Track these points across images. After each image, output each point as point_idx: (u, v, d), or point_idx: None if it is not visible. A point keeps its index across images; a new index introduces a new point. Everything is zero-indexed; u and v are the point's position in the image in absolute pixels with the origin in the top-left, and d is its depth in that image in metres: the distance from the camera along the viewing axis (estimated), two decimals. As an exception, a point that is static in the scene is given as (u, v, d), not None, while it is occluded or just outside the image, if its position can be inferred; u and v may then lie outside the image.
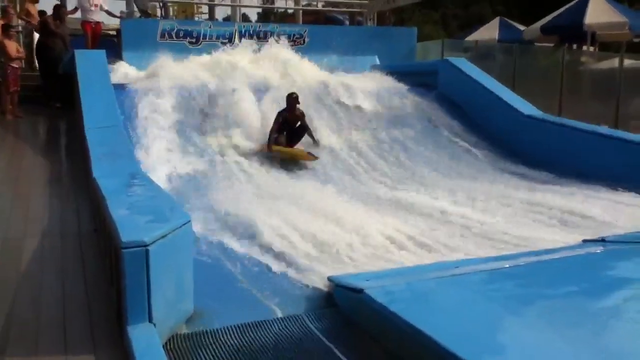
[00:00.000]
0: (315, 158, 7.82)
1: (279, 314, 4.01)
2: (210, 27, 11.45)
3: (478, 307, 3.58)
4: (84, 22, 10.83)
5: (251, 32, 11.51)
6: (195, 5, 17.88)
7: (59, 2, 11.65)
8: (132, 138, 7.54)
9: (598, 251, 4.74)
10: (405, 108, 9.89)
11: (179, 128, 8.26)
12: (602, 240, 4.92)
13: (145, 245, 3.23)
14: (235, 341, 3.60)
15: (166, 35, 10.92)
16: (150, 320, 3.30)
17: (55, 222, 5.30)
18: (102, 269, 4.22)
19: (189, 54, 10.54)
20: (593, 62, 13.23)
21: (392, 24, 16.04)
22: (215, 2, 15.18)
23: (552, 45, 16.85)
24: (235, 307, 4.12)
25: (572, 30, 15.90)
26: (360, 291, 3.70)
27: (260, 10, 23.63)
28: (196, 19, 17.74)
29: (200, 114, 8.55)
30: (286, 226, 5.49)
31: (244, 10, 18.72)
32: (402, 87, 10.31)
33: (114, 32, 12.82)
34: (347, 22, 16.35)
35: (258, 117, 8.49)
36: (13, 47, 9.37)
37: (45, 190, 6.22)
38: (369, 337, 3.65)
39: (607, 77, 11.82)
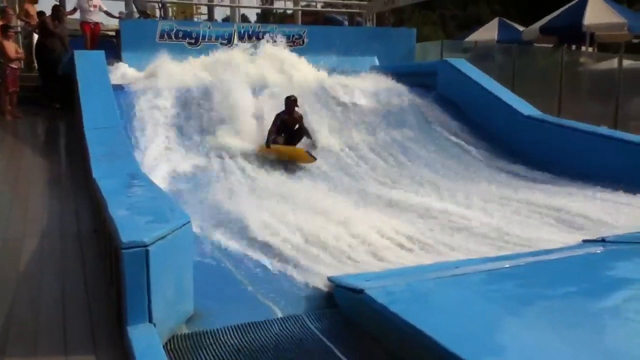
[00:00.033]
0: (314, 159, 7.81)
1: (279, 314, 4.01)
2: (209, 28, 11.46)
3: (478, 307, 3.58)
4: (83, 23, 10.83)
5: (250, 32, 11.51)
6: (194, 6, 17.87)
7: (57, 3, 11.65)
8: (131, 138, 7.55)
9: (598, 251, 4.74)
10: (404, 108, 9.90)
11: (178, 128, 8.29)
12: (602, 241, 4.93)
13: (145, 246, 3.22)
14: (236, 341, 3.60)
15: (165, 36, 10.92)
16: (150, 321, 3.30)
17: (55, 222, 5.30)
18: (102, 269, 4.21)
19: (188, 55, 10.54)
20: (592, 63, 13.24)
21: (391, 25, 16.06)
22: (215, 3, 15.19)
23: (551, 45, 16.87)
24: (236, 307, 4.12)
25: (571, 31, 15.93)
26: (360, 291, 3.70)
27: (259, 11, 23.61)
28: (195, 19, 17.72)
29: (199, 114, 8.56)
30: (286, 226, 5.50)
31: (243, 11, 18.75)
32: (401, 87, 10.32)
33: (113, 33, 12.83)
34: (347, 23, 16.37)
35: (256, 117, 8.50)
36: (12, 47, 9.36)
37: (44, 190, 6.21)
38: (370, 337, 3.65)
39: (606, 78, 11.83)
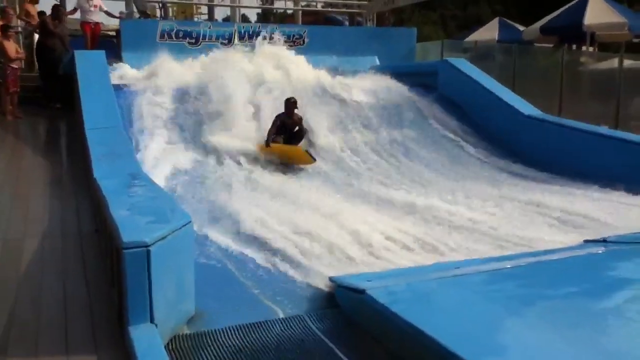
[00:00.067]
0: (314, 160, 7.79)
1: (281, 315, 4.01)
2: (209, 28, 11.46)
3: (479, 307, 3.58)
4: (83, 23, 10.83)
5: (251, 32, 11.50)
6: (194, 6, 17.87)
7: (57, 2, 11.65)
8: (132, 138, 7.55)
9: (599, 252, 4.73)
10: (404, 108, 9.89)
11: (178, 127, 8.30)
12: (604, 241, 4.92)
13: (147, 246, 3.22)
14: (237, 342, 3.60)
15: (165, 35, 10.92)
16: (151, 321, 3.30)
17: (56, 222, 5.29)
18: (103, 269, 4.21)
19: (189, 55, 10.54)
20: (592, 63, 13.24)
21: (392, 25, 16.05)
22: (215, 3, 15.18)
23: (551, 45, 16.86)
24: (237, 307, 4.12)
25: (571, 31, 15.91)
26: (362, 292, 3.70)
27: (259, 10, 23.60)
28: (195, 19, 17.73)
29: (199, 114, 8.55)
30: (286, 226, 5.50)
31: (243, 10, 18.76)
32: (401, 87, 10.31)
33: (113, 33, 12.82)
34: (347, 23, 16.36)
35: (256, 117, 8.50)
36: (12, 48, 9.36)
37: (45, 190, 6.21)
38: (371, 337, 3.65)
39: (606, 78, 11.83)
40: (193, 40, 11.11)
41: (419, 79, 10.73)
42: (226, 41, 11.24)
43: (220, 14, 21.72)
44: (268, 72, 9.97)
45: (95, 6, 10.74)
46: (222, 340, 3.60)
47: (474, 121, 9.63)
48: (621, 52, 12.20)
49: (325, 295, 4.29)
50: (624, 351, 3.03)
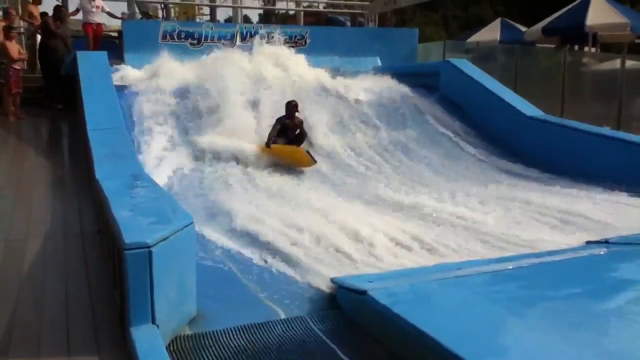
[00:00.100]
0: (314, 162, 7.78)
1: (282, 316, 4.01)
2: (211, 29, 11.47)
3: (481, 308, 3.58)
4: (85, 24, 10.84)
5: (252, 33, 11.51)
6: (196, 7, 17.88)
7: (59, 3, 11.67)
8: (134, 139, 7.56)
9: (601, 253, 4.73)
10: (406, 109, 9.89)
11: (180, 128, 8.31)
12: (606, 242, 4.91)
13: (148, 247, 3.22)
14: (239, 342, 3.60)
15: (167, 36, 10.95)
16: (153, 322, 3.30)
17: (58, 223, 5.30)
18: (105, 270, 4.22)
19: (191, 55, 10.55)
20: (595, 63, 13.22)
21: (394, 25, 16.05)
22: (217, 4, 15.20)
23: (553, 46, 16.84)
24: (238, 308, 4.12)
25: (573, 32, 15.88)
26: (363, 293, 3.70)
27: (261, 11, 23.60)
28: (197, 20, 17.74)
29: (201, 114, 8.56)
30: (287, 227, 5.50)
31: (245, 11, 18.76)
32: (403, 88, 10.31)
33: (115, 34, 12.84)
34: (349, 24, 16.37)
35: (256, 117, 8.51)
36: (15, 48, 9.38)
37: (47, 191, 6.22)
38: (372, 338, 3.65)
39: (609, 78, 11.81)
40: (195, 41, 11.13)
41: (421, 79, 10.73)
42: (228, 42, 11.25)
43: (222, 14, 21.72)
44: (267, 70, 9.98)
45: (97, 7, 10.76)
46: (224, 341, 3.60)
47: (476, 122, 9.63)
48: (623, 52, 12.17)
49: (326, 296, 4.28)
50: (626, 352, 3.03)
